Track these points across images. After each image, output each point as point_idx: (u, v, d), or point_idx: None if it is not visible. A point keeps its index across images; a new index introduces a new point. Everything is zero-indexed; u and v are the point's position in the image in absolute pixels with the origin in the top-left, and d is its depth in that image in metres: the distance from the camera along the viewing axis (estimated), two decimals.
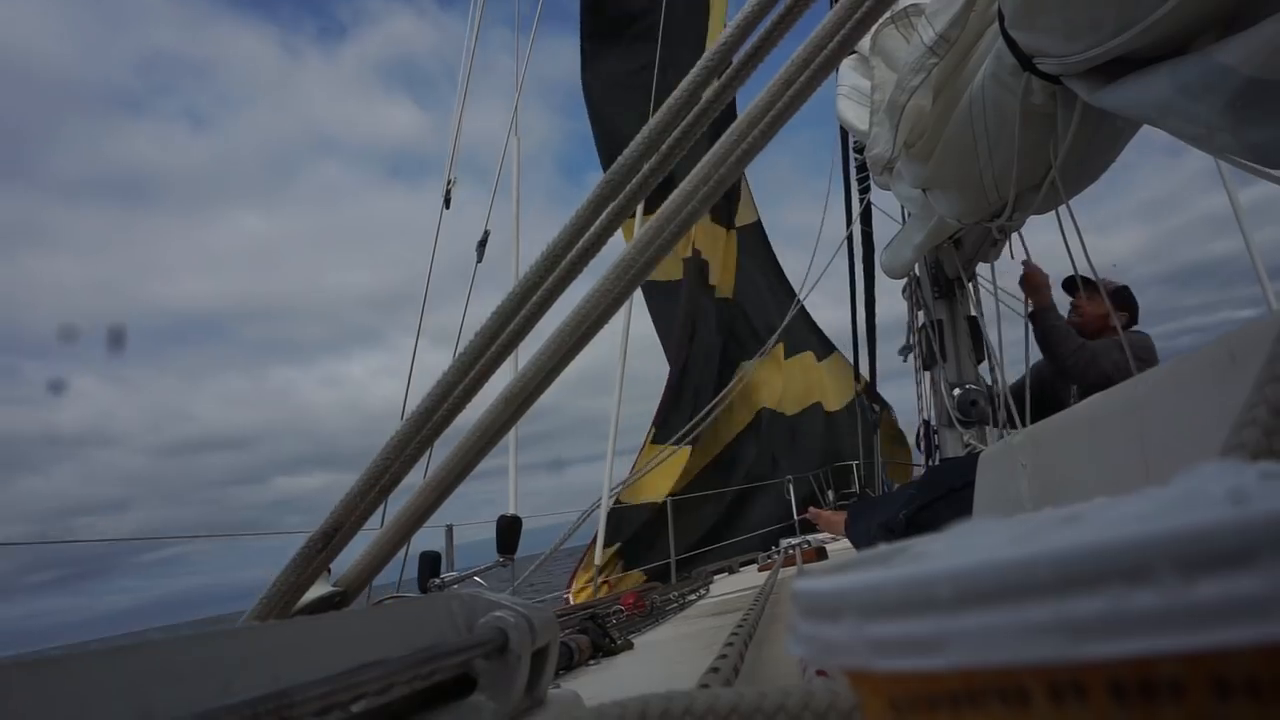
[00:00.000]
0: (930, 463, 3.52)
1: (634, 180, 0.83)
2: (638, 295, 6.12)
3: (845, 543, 3.46)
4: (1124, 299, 3.21)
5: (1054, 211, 2.27)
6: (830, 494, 6.36)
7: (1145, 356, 2.91)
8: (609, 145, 6.74)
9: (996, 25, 1.72)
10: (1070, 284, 3.24)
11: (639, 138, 0.83)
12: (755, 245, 7.84)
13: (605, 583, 5.30)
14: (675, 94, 0.82)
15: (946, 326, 3.42)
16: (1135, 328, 3.22)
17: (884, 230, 5.53)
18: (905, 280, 3.68)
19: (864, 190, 5.45)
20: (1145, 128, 1.77)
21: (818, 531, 4.37)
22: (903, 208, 3.45)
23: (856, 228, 5.73)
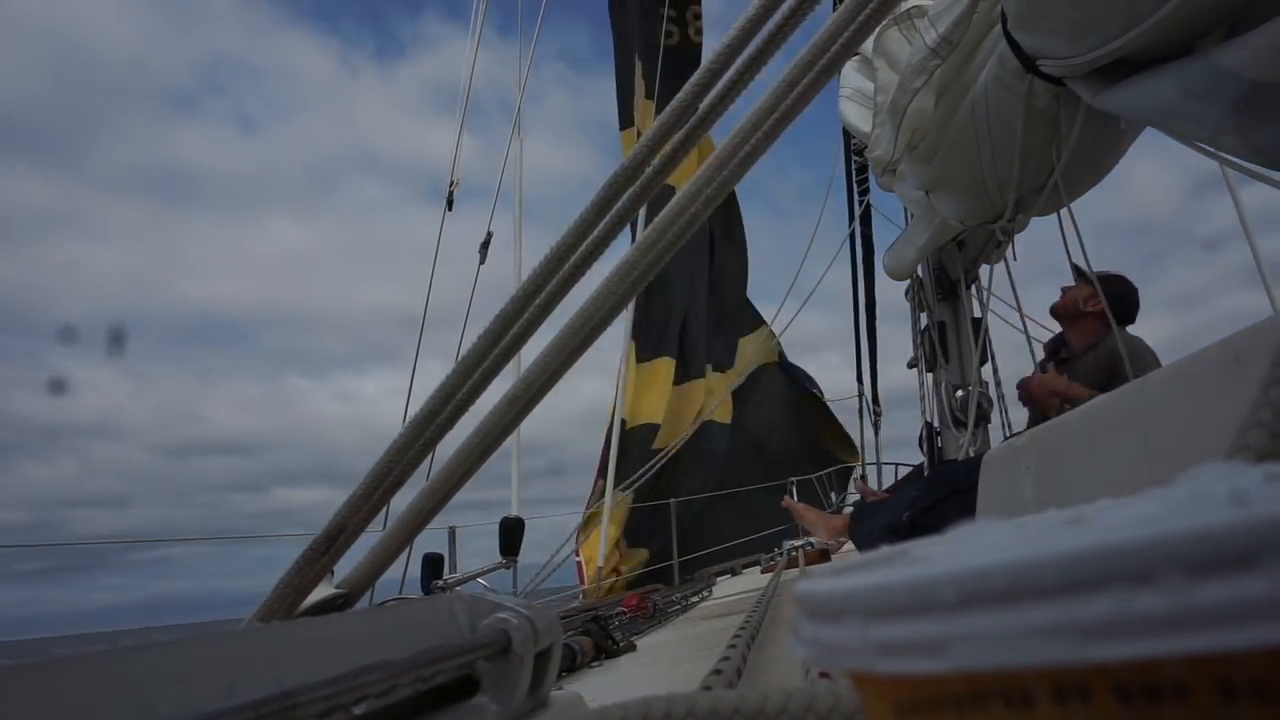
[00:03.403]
0: (931, 465, 3.52)
1: (637, 183, 0.83)
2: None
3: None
4: (1115, 291, 2.91)
5: (1056, 214, 2.28)
6: (834, 496, 6.35)
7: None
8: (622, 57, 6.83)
9: (999, 27, 1.72)
10: (1078, 274, 3.15)
11: (643, 140, 0.83)
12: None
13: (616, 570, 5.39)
14: (679, 96, 0.82)
15: (949, 328, 3.42)
16: (1130, 328, 3.02)
17: (883, 232, 5.57)
18: (908, 282, 3.68)
19: (863, 192, 5.47)
20: (1147, 131, 1.77)
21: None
22: (905, 210, 3.45)
23: (856, 226, 5.74)
